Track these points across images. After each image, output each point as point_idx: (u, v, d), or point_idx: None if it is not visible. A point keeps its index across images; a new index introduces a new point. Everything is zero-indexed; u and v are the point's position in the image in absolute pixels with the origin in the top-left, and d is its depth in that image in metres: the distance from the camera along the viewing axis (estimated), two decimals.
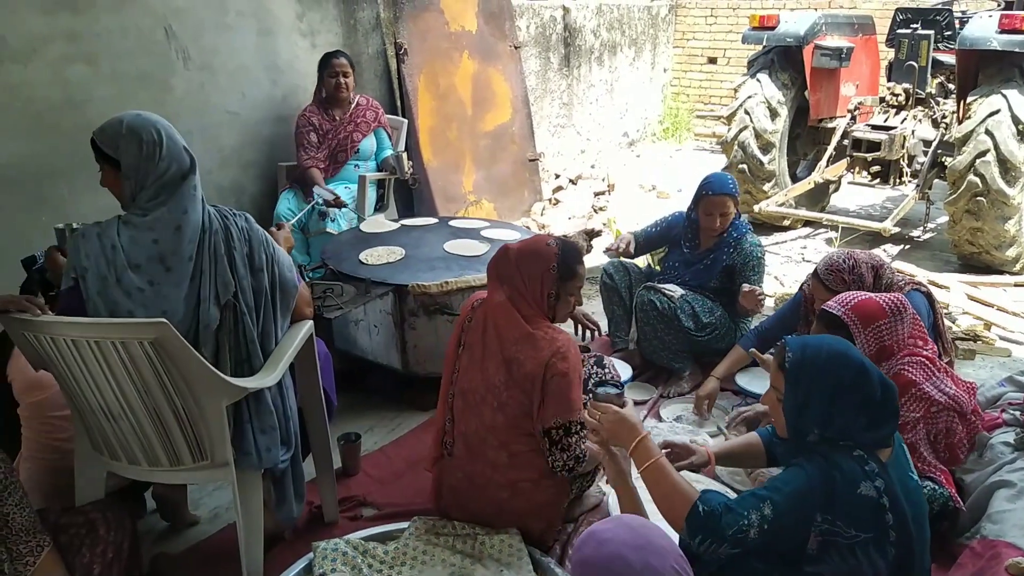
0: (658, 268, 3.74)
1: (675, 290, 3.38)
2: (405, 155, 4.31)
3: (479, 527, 2.33)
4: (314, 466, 2.49)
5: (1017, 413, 2.64)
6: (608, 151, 8.20)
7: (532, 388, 2.17)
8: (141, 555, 2.11)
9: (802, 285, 3.12)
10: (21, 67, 3.22)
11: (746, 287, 3.23)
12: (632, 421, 1.89)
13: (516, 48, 5.88)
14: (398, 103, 5.13)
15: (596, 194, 6.53)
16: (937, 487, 2.30)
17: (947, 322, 2.96)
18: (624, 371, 3.38)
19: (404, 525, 2.35)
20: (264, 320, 2.06)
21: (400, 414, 3.28)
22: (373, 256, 3.34)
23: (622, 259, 3.64)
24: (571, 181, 6.87)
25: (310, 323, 2.25)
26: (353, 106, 4.23)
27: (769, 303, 4.33)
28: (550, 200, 6.28)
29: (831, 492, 1.64)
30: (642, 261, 3.69)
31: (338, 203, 3.97)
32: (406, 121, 4.83)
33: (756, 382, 3.22)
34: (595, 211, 6.17)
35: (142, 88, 3.67)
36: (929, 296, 2.84)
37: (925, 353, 2.42)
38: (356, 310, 3.06)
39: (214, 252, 1.94)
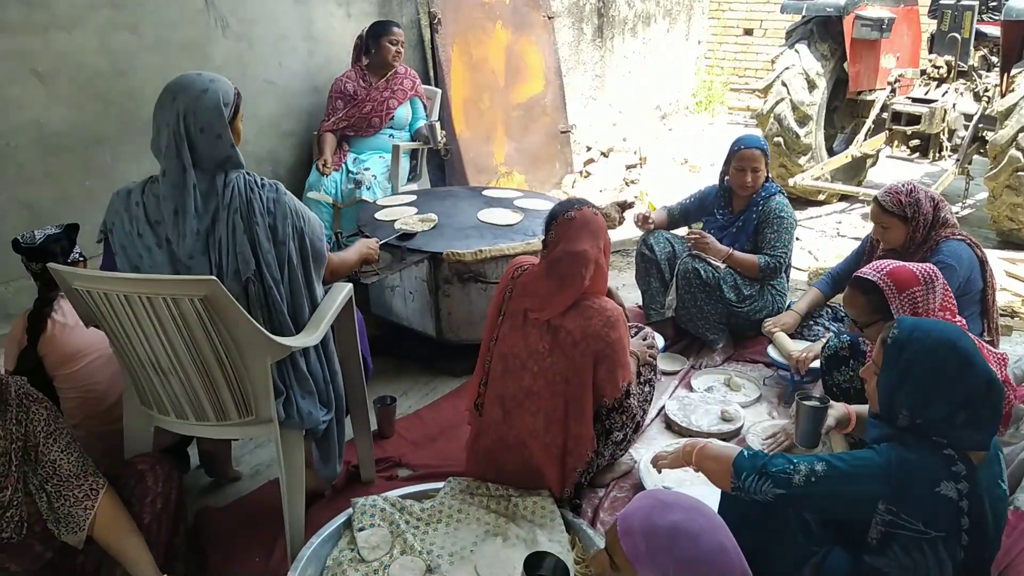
0: None
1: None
2: (438, 125, 4.32)
3: (512, 489, 2.38)
4: (352, 427, 2.55)
5: None
6: (640, 124, 8.13)
7: (579, 355, 2.22)
8: (186, 507, 2.19)
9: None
10: (67, 35, 3.28)
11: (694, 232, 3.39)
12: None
13: (550, 18, 5.84)
14: (431, 73, 5.13)
15: (628, 167, 6.50)
16: None
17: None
18: (657, 342, 3.39)
19: (439, 485, 2.41)
20: (294, 292, 2.06)
21: (434, 379, 3.33)
22: (408, 224, 3.37)
23: (663, 231, 3.64)
24: (603, 154, 6.84)
25: (350, 286, 2.29)
26: (391, 73, 4.25)
27: (802, 276, 4.31)
28: (581, 172, 6.27)
29: (903, 485, 1.62)
30: (683, 232, 3.69)
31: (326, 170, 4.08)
32: (440, 91, 4.83)
33: None
34: (626, 184, 6.15)
35: (183, 57, 3.71)
36: (983, 262, 2.82)
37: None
38: (392, 276, 3.10)
39: (232, 230, 1.94)
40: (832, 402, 2.20)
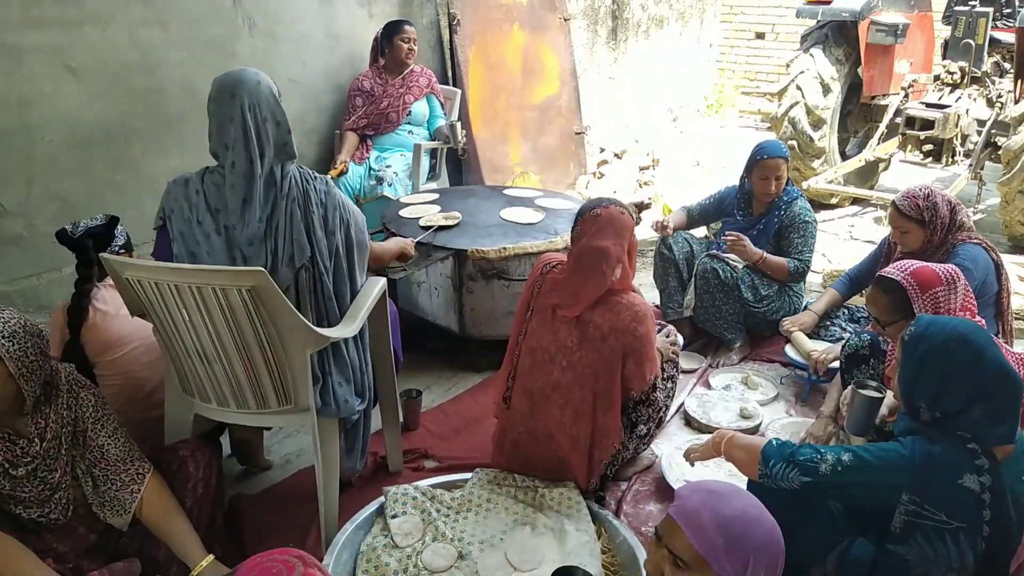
0: (713, 239, 3.79)
1: (737, 261, 3.43)
2: (459, 124, 4.39)
3: (538, 480, 2.43)
4: (380, 418, 2.60)
5: None
6: (652, 126, 8.18)
7: (608, 349, 2.27)
8: (224, 493, 2.24)
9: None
10: (100, 30, 3.33)
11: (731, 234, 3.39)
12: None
13: (566, 20, 5.89)
14: (450, 73, 5.19)
15: (641, 168, 6.55)
16: None
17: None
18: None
19: (466, 476, 2.46)
20: (338, 280, 2.14)
21: (456, 374, 3.39)
22: (433, 221, 3.42)
23: (681, 231, 3.69)
24: (616, 155, 6.88)
25: (383, 280, 2.35)
26: (407, 71, 4.33)
27: (816, 279, 4.36)
28: (595, 173, 6.31)
29: (927, 477, 1.67)
30: (701, 232, 3.74)
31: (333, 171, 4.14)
32: (459, 91, 4.89)
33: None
34: (640, 185, 6.20)
35: (210, 54, 3.77)
36: (998, 265, 2.86)
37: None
38: (418, 272, 3.15)
39: (290, 218, 2.02)
40: (887, 391, 2.23)
